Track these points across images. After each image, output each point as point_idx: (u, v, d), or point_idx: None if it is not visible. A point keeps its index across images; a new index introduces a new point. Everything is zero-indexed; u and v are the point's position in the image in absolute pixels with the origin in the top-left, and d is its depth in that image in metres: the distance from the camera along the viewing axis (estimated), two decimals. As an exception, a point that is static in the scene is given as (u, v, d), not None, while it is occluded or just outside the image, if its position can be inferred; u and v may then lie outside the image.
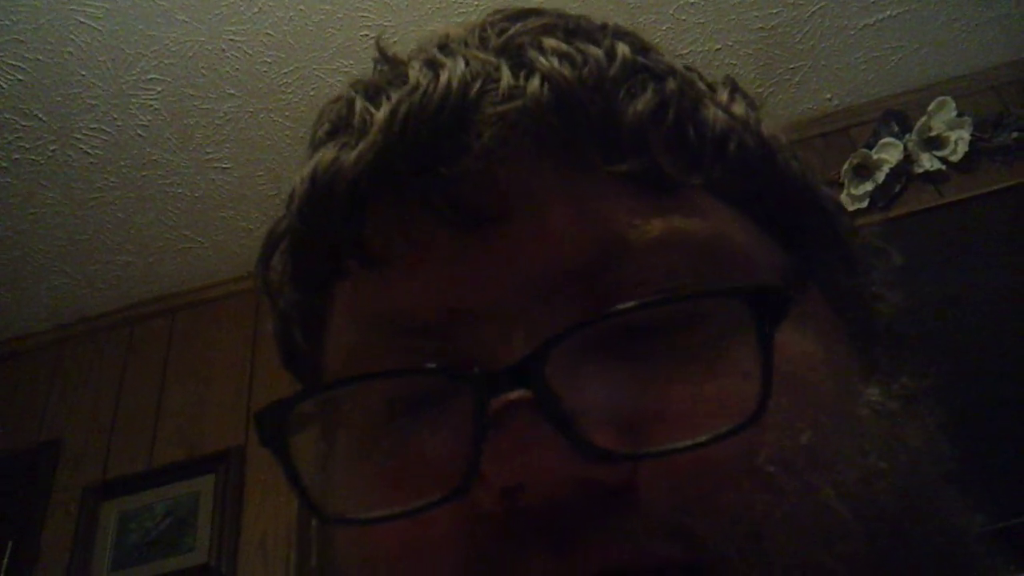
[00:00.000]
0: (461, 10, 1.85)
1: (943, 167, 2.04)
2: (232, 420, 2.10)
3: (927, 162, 2.04)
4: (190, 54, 1.85)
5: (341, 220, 0.36)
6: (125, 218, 2.15)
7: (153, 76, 1.88)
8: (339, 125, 0.38)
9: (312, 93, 1.96)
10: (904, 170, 2.06)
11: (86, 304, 2.35)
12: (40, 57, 1.81)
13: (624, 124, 0.34)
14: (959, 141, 2.03)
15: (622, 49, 0.36)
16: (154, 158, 2.04)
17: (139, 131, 1.98)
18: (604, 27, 0.39)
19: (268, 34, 1.85)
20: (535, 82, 0.34)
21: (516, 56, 0.36)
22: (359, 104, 0.37)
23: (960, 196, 2.01)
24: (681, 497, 0.29)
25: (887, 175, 2.04)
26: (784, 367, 0.30)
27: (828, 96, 2.20)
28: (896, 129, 2.09)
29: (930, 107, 2.07)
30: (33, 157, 1.99)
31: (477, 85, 0.34)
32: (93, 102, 1.91)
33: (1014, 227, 1.91)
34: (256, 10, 1.80)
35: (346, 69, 1.93)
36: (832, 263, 0.39)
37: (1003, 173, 2.02)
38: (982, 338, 1.73)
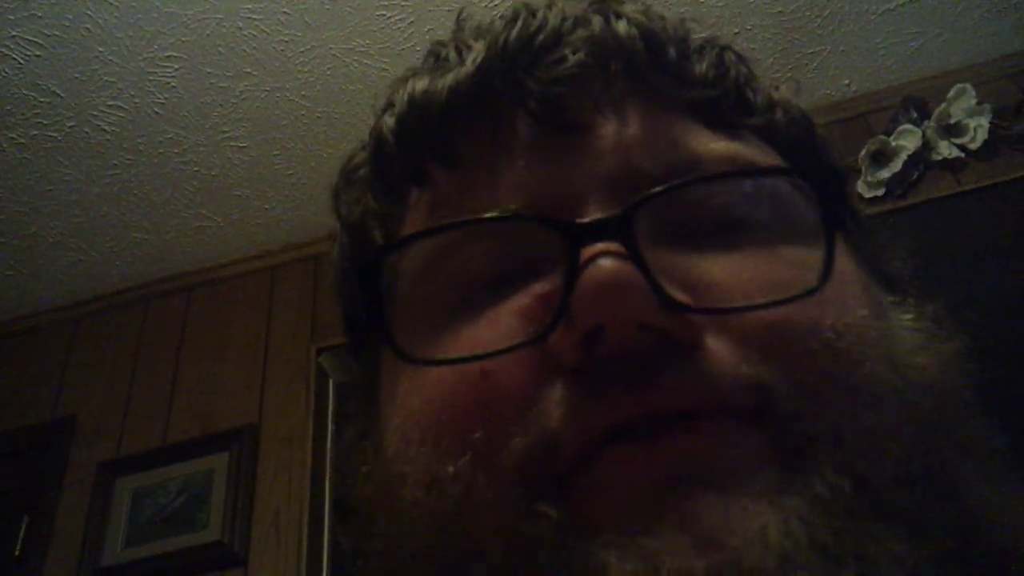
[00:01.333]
0: (479, -9, 1.85)
1: (962, 154, 2.03)
2: (246, 398, 2.11)
3: (945, 149, 2.03)
4: (208, 32, 1.85)
5: (436, 125, 0.39)
6: (141, 195, 2.16)
7: (171, 54, 1.88)
8: (430, 62, 0.43)
9: (329, 72, 1.96)
10: (922, 157, 2.04)
11: (102, 281, 2.36)
12: (58, 33, 1.81)
13: (694, 69, 0.40)
14: (978, 129, 2.02)
15: (691, 25, 0.43)
16: (171, 136, 2.04)
17: (156, 109, 1.98)
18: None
19: (285, 13, 1.84)
20: (623, 24, 0.40)
21: (603, 11, 0.41)
22: (452, 45, 0.42)
23: (978, 184, 2.00)
24: (750, 353, 0.31)
25: (905, 162, 2.03)
26: (838, 265, 0.34)
27: (847, 82, 2.18)
28: (915, 116, 2.08)
29: (949, 94, 2.05)
30: (50, 134, 1.99)
31: (571, 21, 0.39)
32: (111, 79, 1.91)
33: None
34: (274, -12, 1.80)
35: (363, 48, 1.92)
36: (848, 218, 0.42)
37: (1022, 161, 2.01)
38: (998, 325, 1.72)
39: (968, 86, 2.06)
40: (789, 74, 2.13)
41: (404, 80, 0.42)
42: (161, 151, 2.07)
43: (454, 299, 0.36)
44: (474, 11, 0.45)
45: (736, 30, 2.03)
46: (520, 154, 0.37)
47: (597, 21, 0.39)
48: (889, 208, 2.00)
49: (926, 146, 2.05)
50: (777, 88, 0.44)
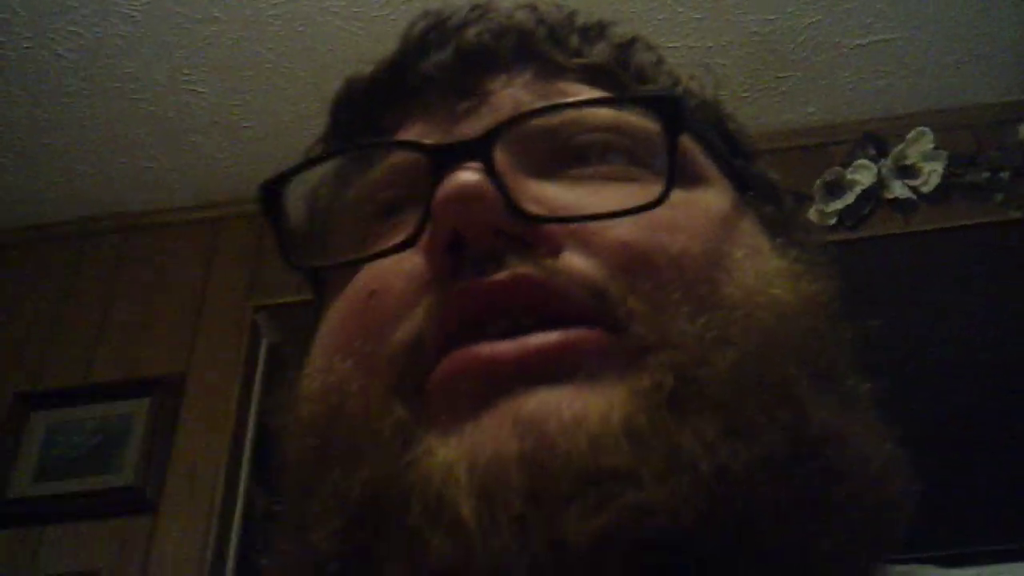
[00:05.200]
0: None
1: (913, 196, 2.07)
2: (175, 347, 2.07)
3: (898, 189, 2.07)
4: (181, -30, 1.81)
5: (362, 105, 0.46)
6: (91, 128, 2.10)
7: (140, -13, 1.83)
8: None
9: (299, 29, 1.93)
10: (875, 194, 2.08)
11: (37, 211, 2.29)
12: (24, -50, 1.75)
13: (592, 48, 0.45)
14: (932, 173, 2.06)
15: (611, 24, 0.48)
16: (128, 71, 1.99)
17: (117, 40, 1.93)
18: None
19: (264, -38, 1.81)
20: (525, 11, 0.46)
21: (517, 3, 0.47)
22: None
23: (926, 227, 2.04)
24: (601, 265, 0.35)
25: (858, 196, 2.06)
26: (697, 199, 0.39)
27: (812, 110, 2.21)
28: (872, 152, 2.11)
29: (909, 135, 2.09)
30: (4, 51, 1.92)
31: (479, 11, 0.46)
32: (74, 4, 1.85)
33: (978, 264, 1.95)
34: (255, -64, 1.76)
35: (336, 10, 1.90)
36: (745, 171, 0.46)
37: (972, 210, 2.05)
38: (939, 362, 1.76)
39: (927, 130, 2.10)
40: (758, 95, 2.15)
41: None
42: (116, 85, 2.01)
43: (353, 226, 0.42)
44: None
45: (710, 43, 2.04)
46: (428, 118, 0.43)
47: (502, 9, 0.46)
48: (841, 238, 2.03)
49: (880, 183, 2.08)
50: (692, 77, 0.48)
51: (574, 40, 0.45)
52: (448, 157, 0.36)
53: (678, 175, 0.37)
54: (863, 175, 2.08)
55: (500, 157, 0.36)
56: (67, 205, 2.28)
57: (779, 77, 2.13)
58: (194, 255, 2.22)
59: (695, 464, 0.30)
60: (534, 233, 0.34)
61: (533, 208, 0.35)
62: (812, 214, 2.07)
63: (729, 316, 0.34)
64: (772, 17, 2.00)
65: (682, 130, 0.38)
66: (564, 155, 0.40)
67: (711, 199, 0.41)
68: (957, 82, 2.17)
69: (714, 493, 0.29)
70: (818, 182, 2.08)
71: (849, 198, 2.06)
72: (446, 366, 0.33)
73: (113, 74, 1.99)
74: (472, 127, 0.40)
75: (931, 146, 2.08)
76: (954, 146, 2.12)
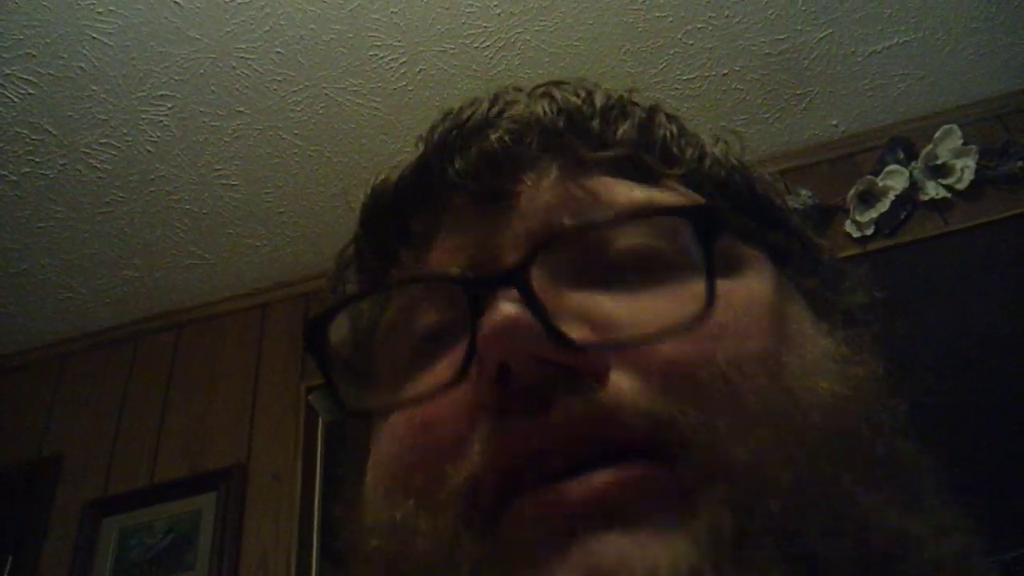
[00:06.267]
0: (469, 32, 1.86)
1: (948, 195, 2.05)
2: (235, 436, 2.09)
3: (932, 190, 2.05)
4: (201, 71, 1.86)
5: (390, 214, 0.46)
6: (132, 233, 2.16)
7: (163, 92, 1.89)
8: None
9: (321, 112, 1.97)
10: (909, 198, 2.06)
11: (91, 319, 2.35)
12: (51, 72, 1.82)
13: (618, 129, 0.45)
14: (965, 169, 2.03)
15: (628, 97, 0.47)
16: (162, 174, 2.05)
17: (148, 147, 1.99)
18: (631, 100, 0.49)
19: (279, 52, 1.86)
20: (545, 102, 0.45)
21: (532, 95, 0.46)
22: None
23: (965, 224, 2.02)
24: (649, 387, 0.34)
25: (892, 202, 2.04)
26: (739, 293, 0.38)
27: (834, 122, 2.20)
28: (902, 156, 2.10)
29: (936, 135, 2.07)
30: (42, 171, 1.99)
31: (498, 108, 0.45)
32: (103, 117, 1.92)
33: (1019, 255, 1.91)
34: (267, 28, 1.81)
35: (355, 88, 1.94)
36: (788, 246, 0.46)
37: (1008, 201, 2.02)
38: (987, 365, 1.72)
39: (955, 127, 2.08)
40: (780, 115, 2.15)
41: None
42: (152, 189, 2.07)
43: (397, 353, 0.42)
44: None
45: (725, 71, 2.05)
46: (456, 224, 0.43)
47: (521, 103, 0.45)
48: (880, 247, 2.01)
49: (914, 186, 2.06)
50: (717, 142, 0.48)
51: (596, 126, 0.45)
52: (486, 288, 0.36)
53: (717, 270, 0.37)
54: (895, 180, 2.06)
55: (537, 277, 0.35)
56: (118, 310, 2.34)
57: (798, 94, 2.13)
58: (244, 343, 2.26)
59: None
60: (579, 360, 0.34)
61: (576, 332, 0.35)
62: (848, 226, 2.05)
63: (782, 428, 0.33)
64: (783, 37, 2.01)
65: (718, 238, 0.37)
66: (599, 263, 0.39)
67: (753, 288, 0.40)
68: (978, 74, 2.15)
69: None
70: (851, 193, 2.07)
71: (883, 205, 2.04)
72: (515, 512, 0.33)
73: (147, 179, 2.05)
74: (505, 240, 0.40)
75: (960, 142, 2.06)
76: (984, 139, 2.09)
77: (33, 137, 1.93)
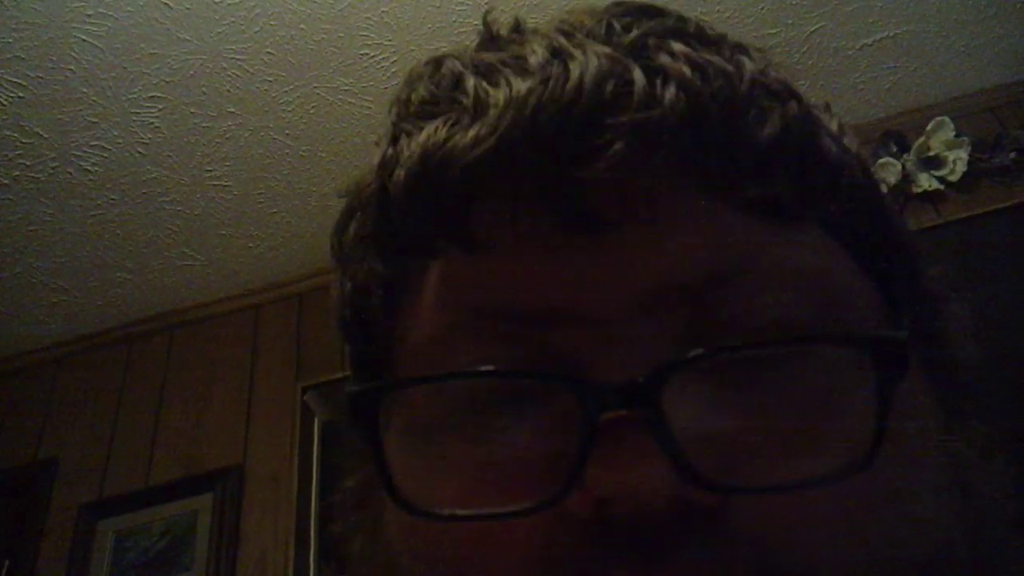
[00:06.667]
0: (460, 30, 1.86)
1: (941, 187, 2.05)
2: (231, 437, 2.09)
3: (925, 182, 2.05)
4: (191, 72, 1.86)
5: (450, 202, 0.33)
6: (124, 235, 2.15)
7: (154, 94, 1.89)
8: (441, 98, 0.36)
9: (312, 112, 1.97)
10: (902, 190, 2.06)
11: (84, 321, 2.35)
12: (41, 75, 1.81)
13: (752, 148, 0.33)
14: (957, 161, 2.04)
15: (749, 65, 0.35)
16: (154, 175, 2.04)
17: (139, 149, 1.98)
18: (724, 37, 0.38)
19: (269, 53, 1.85)
20: (671, 91, 0.32)
21: (646, 58, 0.34)
22: (471, 81, 0.35)
23: (958, 216, 2.02)
24: (769, 531, 0.28)
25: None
26: (904, 434, 0.31)
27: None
28: (894, 149, 2.10)
29: (928, 127, 2.07)
30: (33, 174, 1.99)
31: (610, 87, 0.32)
32: (94, 120, 1.91)
33: (1013, 247, 1.92)
34: (257, 29, 1.81)
35: (347, 88, 1.93)
36: (919, 310, 0.37)
37: (1001, 193, 2.02)
38: (982, 358, 1.72)
39: (946, 119, 2.08)
40: (770, 109, 2.15)
41: (415, 116, 0.37)
42: (144, 191, 2.07)
43: (462, 410, 0.33)
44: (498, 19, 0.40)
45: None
46: (543, 249, 0.33)
47: (640, 84, 0.32)
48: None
49: (906, 179, 2.06)
50: (841, 132, 0.38)
51: (734, 140, 0.33)
52: (605, 399, 0.29)
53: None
54: (888, 173, 2.06)
55: (667, 394, 0.29)
56: (111, 312, 2.34)
57: (790, 89, 2.13)
58: (239, 344, 2.26)
59: None
60: (707, 500, 0.28)
61: (706, 464, 0.28)
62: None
63: None
64: (774, 31, 2.01)
65: (903, 378, 0.29)
66: (739, 360, 0.31)
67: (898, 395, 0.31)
68: (970, 67, 2.15)
69: None
70: (844, 186, 2.07)
71: (877, 198, 2.04)
72: None
73: (139, 180, 2.04)
74: (609, 284, 0.32)
75: (952, 134, 2.06)
76: (977, 131, 2.10)
77: (24, 140, 1.92)
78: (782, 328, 0.31)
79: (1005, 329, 1.77)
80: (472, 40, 0.40)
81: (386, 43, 1.87)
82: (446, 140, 0.33)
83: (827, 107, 0.40)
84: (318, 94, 1.94)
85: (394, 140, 0.37)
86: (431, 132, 0.34)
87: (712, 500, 0.28)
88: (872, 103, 2.20)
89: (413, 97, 0.38)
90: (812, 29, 2.02)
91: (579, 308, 0.32)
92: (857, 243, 0.35)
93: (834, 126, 0.38)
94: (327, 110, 1.97)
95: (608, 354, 0.31)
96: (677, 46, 0.34)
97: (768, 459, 0.29)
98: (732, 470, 0.29)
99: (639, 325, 0.31)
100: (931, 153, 2.06)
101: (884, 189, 0.39)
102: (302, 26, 1.82)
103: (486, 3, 1.84)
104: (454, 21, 1.85)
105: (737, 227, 0.33)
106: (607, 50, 0.34)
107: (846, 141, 0.37)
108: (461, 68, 0.36)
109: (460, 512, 0.31)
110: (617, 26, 0.36)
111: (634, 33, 0.35)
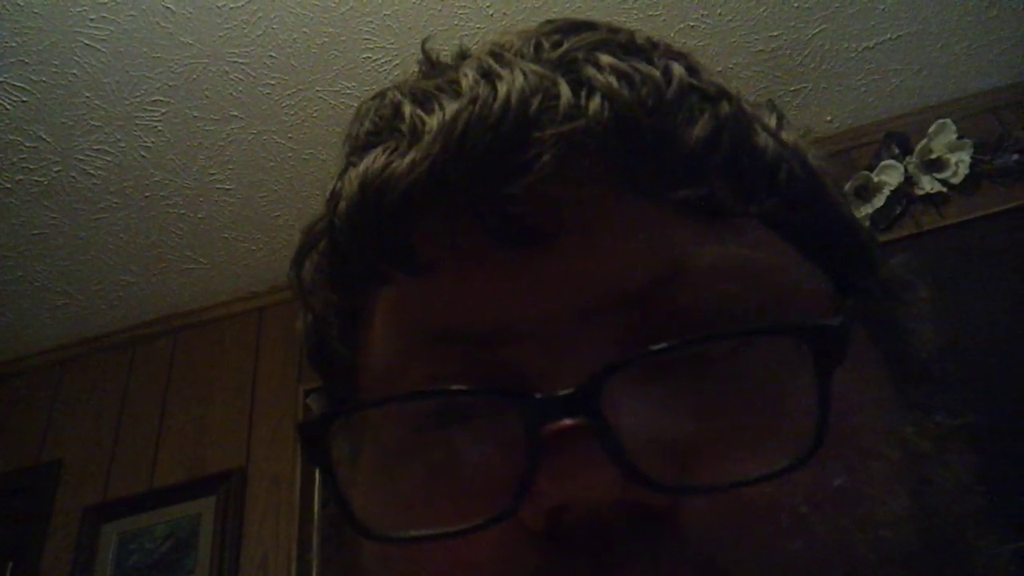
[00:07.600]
0: (462, 34, 1.86)
1: (944, 189, 2.05)
2: (233, 441, 2.10)
3: (928, 184, 2.05)
4: (194, 76, 1.86)
5: (390, 227, 0.34)
6: (127, 239, 2.16)
7: (157, 98, 1.89)
8: (383, 127, 0.37)
9: (315, 115, 1.97)
10: (905, 192, 2.06)
11: (88, 324, 2.35)
12: (45, 79, 1.82)
13: (682, 150, 0.33)
14: (960, 163, 2.03)
15: (677, 70, 0.35)
16: (157, 179, 2.05)
17: (142, 152, 1.99)
18: (655, 45, 0.39)
19: (272, 56, 1.86)
20: (595, 101, 0.33)
21: (573, 71, 0.35)
22: (408, 109, 0.36)
23: (961, 218, 2.02)
24: (717, 530, 0.29)
25: (888, 197, 2.04)
26: (846, 423, 0.31)
27: (829, 118, 2.20)
28: (897, 151, 2.10)
29: (931, 129, 2.07)
30: (36, 178, 1.99)
31: (536, 101, 0.33)
32: (97, 124, 1.92)
33: (1016, 249, 1.92)
34: (259, 33, 1.81)
35: (349, 91, 1.94)
36: (871, 296, 0.37)
37: (1004, 195, 2.02)
38: (984, 359, 1.72)
39: (949, 121, 2.08)
40: (772, 111, 2.15)
41: (356, 147, 0.39)
42: (147, 195, 2.07)
43: (415, 431, 0.34)
44: (437, 46, 0.42)
45: (719, 68, 2.02)
46: (484, 267, 0.33)
47: (566, 97, 0.33)
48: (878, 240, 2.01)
49: (908, 181, 2.06)
50: (780, 127, 0.38)
51: (665, 144, 0.33)
52: (548, 411, 0.29)
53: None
54: (890, 175, 2.06)
55: (606, 399, 0.29)
56: (115, 315, 2.34)
57: (792, 91, 2.13)
58: (242, 347, 2.26)
59: None
60: (656, 500, 0.29)
61: (654, 465, 0.28)
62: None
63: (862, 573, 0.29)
64: (776, 34, 2.01)
65: (839, 365, 0.30)
66: (680, 359, 0.31)
67: (849, 384, 0.32)
68: (972, 69, 2.15)
69: None
70: (846, 188, 2.07)
71: (879, 201, 2.04)
72: None
73: (143, 184, 2.05)
74: (548, 296, 0.32)
75: (955, 136, 2.06)
76: (979, 133, 2.09)
77: (27, 144, 1.93)
78: (723, 325, 0.31)
79: (1006, 330, 1.77)
80: (468, 44, 0.42)
81: (388, 46, 1.87)
82: (384, 168, 0.34)
83: (771, 104, 0.41)
84: (320, 98, 1.94)
85: (341, 173, 0.38)
86: (370, 162, 0.35)
87: (661, 501, 0.28)
88: (874, 105, 2.20)
89: (360, 131, 0.39)
90: (814, 32, 2.02)
91: (522, 323, 0.32)
92: (802, 236, 0.36)
93: (772, 122, 0.38)
94: (329, 113, 1.97)
95: (553, 365, 0.31)
96: (604, 58, 0.35)
97: (717, 458, 0.30)
98: (684, 470, 0.29)
99: (581, 334, 0.32)
100: (933, 155, 2.05)
101: (828, 180, 0.39)
102: (304, 30, 1.82)
103: (488, 7, 1.84)
104: (456, 24, 1.85)
105: (673, 229, 0.33)
106: (535, 67, 0.34)
107: (784, 136, 0.38)
108: (400, 97, 0.37)
109: (415, 533, 0.31)
110: (546, 44, 0.37)
111: (562, 49, 0.36)
